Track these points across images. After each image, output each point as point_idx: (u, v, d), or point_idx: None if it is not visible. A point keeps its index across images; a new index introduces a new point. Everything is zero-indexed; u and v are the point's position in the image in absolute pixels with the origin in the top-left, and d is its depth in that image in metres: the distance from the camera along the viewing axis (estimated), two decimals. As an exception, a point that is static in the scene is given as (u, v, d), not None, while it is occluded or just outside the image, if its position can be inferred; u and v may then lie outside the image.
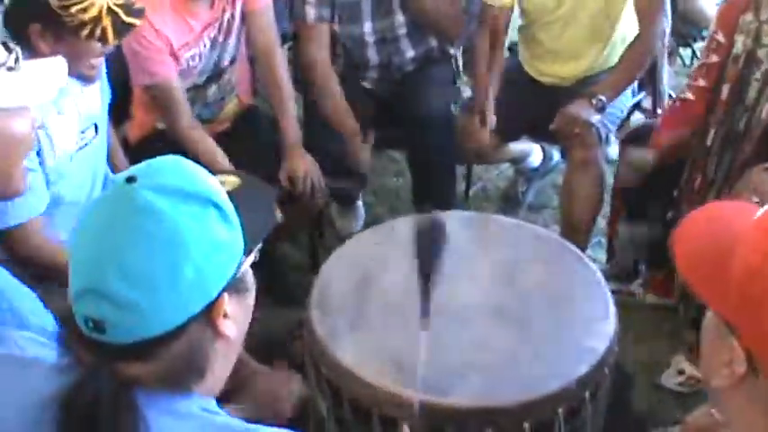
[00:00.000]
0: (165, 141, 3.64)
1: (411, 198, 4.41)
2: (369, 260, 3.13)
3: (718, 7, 3.71)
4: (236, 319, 1.53)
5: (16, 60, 2.20)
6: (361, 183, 4.54)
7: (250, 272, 1.59)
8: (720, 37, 3.51)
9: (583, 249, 3.88)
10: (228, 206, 1.50)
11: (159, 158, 1.56)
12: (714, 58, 3.55)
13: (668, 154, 3.65)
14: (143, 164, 1.54)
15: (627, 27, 4.03)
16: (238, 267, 1.51)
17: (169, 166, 1.52)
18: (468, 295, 2.93)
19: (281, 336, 3.68)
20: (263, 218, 1.65)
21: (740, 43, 3.42)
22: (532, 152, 4.69)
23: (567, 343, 2.73)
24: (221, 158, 3.63)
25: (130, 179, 1.44)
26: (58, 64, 2.35)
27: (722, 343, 1.42)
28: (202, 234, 1.44)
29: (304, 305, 2.88)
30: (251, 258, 1.57)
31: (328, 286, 2.98)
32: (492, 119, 3.99)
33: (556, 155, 4.80)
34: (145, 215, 1.41)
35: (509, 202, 4.82)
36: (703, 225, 1.56)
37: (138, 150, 3.70)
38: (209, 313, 1.47)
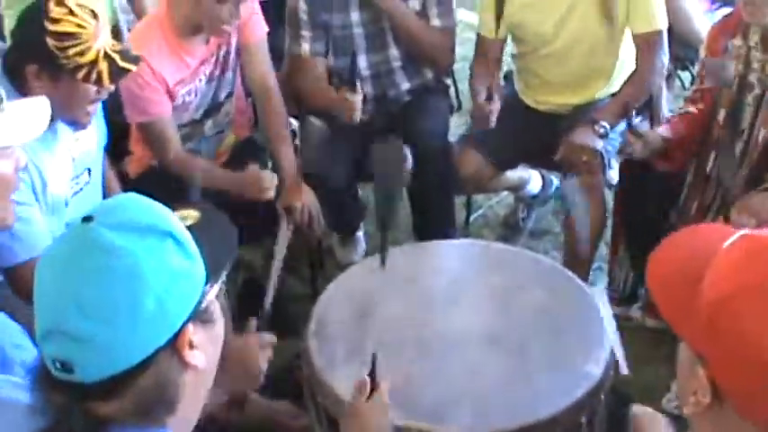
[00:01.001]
0: (161, 176, 3.67)
1: (411, 228, 4.41)
2: (367, 290, 3.14)
3: (708, 33, 3.71)
4: (203, 348, 1.53)
5: (0, 101, 2.21)
6: (360, 213, 4.56)
7: (217, 303, 1.59)
8: (710, 63, 3.54)
9: (585, 276, 3.90)
10: (187, 237, 1.52)
11: (116, 197, 1.59)
12: (708, 83, 3.57)
13: (675, 146, 3.64)
14: (101, 203, 1.58)
15: (626, 56, 4.06)
16: (202, 297, 1.52)
17: (125, 204, 1.54)
18: (465, 322, 2.95)
19: (282, 366, 3.69)
20: (224, 249, 1.66)
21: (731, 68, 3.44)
22: (531, 179, 4.69)
23: (564, 368, 2.73)
24: (217, 169, 3.72)
25: (87, 218, 1.46)
26: (42, 104, 2.37)
27: (691, 371, 1.42)
28: (161, 266, 1.45)
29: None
30: (215, 289, 1.57)
31: (326, 316, 3.00)
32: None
33: (555, 181, 4.80)
34: (102, 252, 1.43)
35: (510, 229, 4.81)
36: (677, 249, 1.56)
37: (136, 186, 3.71)
38: (174, 344, 1.48)
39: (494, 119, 3.81)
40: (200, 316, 1.52)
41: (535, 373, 2.72)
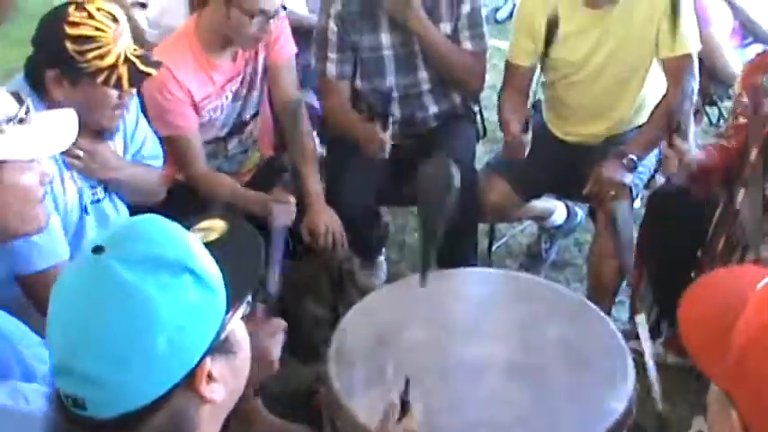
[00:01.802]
0: (188, 192, 3.67)
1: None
2: (388, 316, 3.13)
3: (743, 68, 3.69)
4: (224, 380, 1.48)
5: (27, 112, 2.21)
6: (383, 237, 4.55)
7: (240, 327, 1.54)
8: (744, 98, 3.51)
9: (608, 310, 3.87)
10: (205, 267, 1.46)
11: (130, 222, 1.54)
12: (741, 120, 3.55)
13: (709, 171, 3.60)
14: (114, 231, 1.50)
15: (654, 86, 4.02)
16: (221, 328, 1.46)
17: (141, 232, 1.47)
18: (487, 351, 2.94)
19: (303, 391, 3.68)
20: (249, 268, 1.62)
21: (765, 105, 3.41)
22: (557, 209, 4.67)
23: (585, 402, 2.72)
24: (241, 190, 3.73)
25: (98, 249, 1.40)
26: (69, 117, 2.36)
27: (724, 414, 1.41)
28: (175, 303, 1.39)
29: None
30: (239, 313, 1.52)
31: (347, 341, 2.99)
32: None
33: (580, 213, 4.78)
34: (113, 289, 1.38)
35: (532, 259, 4.79)
36: (710, 291, 1.54)
37: (161, 202, 3.73)
38: (191, 380, 1.43)
39: (527, 150, 3.78)
40: (219, 347, 1.47)
41: (557, 405, 2.70)
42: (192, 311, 1.41)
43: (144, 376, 1.38)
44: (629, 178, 3.80)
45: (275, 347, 2.37)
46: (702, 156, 3.55)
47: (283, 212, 3.56)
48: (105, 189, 3.14)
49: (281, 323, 2.43)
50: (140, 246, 1.43)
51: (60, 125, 2.40)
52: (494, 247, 4.79)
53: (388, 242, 4.70)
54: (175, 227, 1.50)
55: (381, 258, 4.62)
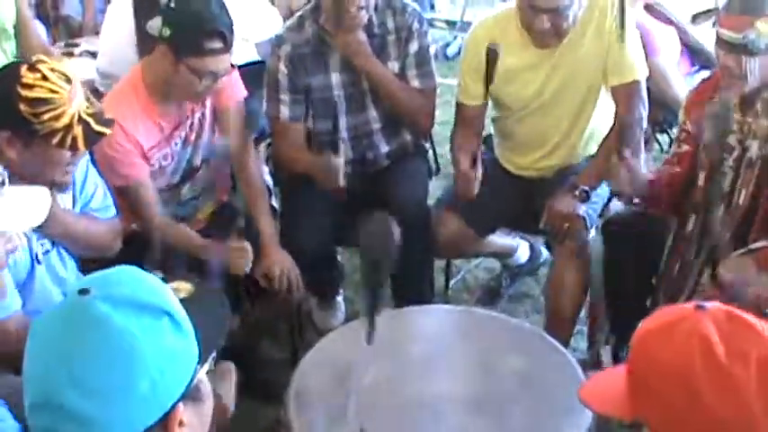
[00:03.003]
0: (144, 242, 3.64)
1: (390, 293, 4.39)
2: (347, 356, 3.12)
3: (686, 97, 3.73)
4: (192, 427, 1.51)
5: (2, 184, 2.20)
6: (339, 277, 4.55)
7: (205, 380, 1.57)
8: (689, 126, 3.56)
9: (566, 341, 3.89)
10: (182, 315, 1.50)
11: (112, 269, 1.56)
12: (685, 147, 3.59)
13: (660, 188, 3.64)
14: (96, 275, 1.53)
15: (603, 116, 4.05)
16: (193, 376, 1.50)
17: (122, 277, 1.51)
18: (447, 388, 2.95)
19: (262, 432, 3.67)
20: (217, 325, 1.65)
21: (709, 133, 3.45)
22: (519, 248, 4.69)
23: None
24: (198, 240, 3.67)
25: (84, 291, 1.44)
26: (43, 193, 2.36)
27: None
28: (157, 346, 1.43)
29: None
30: (206, 367, 1.56)
31: (306, 382, 2.98)
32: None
33: (545, 252, 4.79)
34: (99, 328, 1.41)
35: (489, 294, 4.80)
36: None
37: (121, 253, 3.72)
38: (164, 423, 1.45)
39: (477, 186, 3.80)
40: (190, 394, 1.50)
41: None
42: (172, 355, 1.45)
43: (124, 415, 1.40)
44: (582, 209, 3.82)
45: (227, 392, 2.37)
46: (651, 176, 3.60)
47: (239, 261, 3.56)
48: (52, 242, 3.11)
49: (230, 366, 2.42)
50: (124, 289, 1.47)
51: (33, 200, 2.39)
52: (451, 284, 4.80)
53: (344, 282, 4.69)
54: (149, 275, 1.55)
55: (339, 299, 4.63)
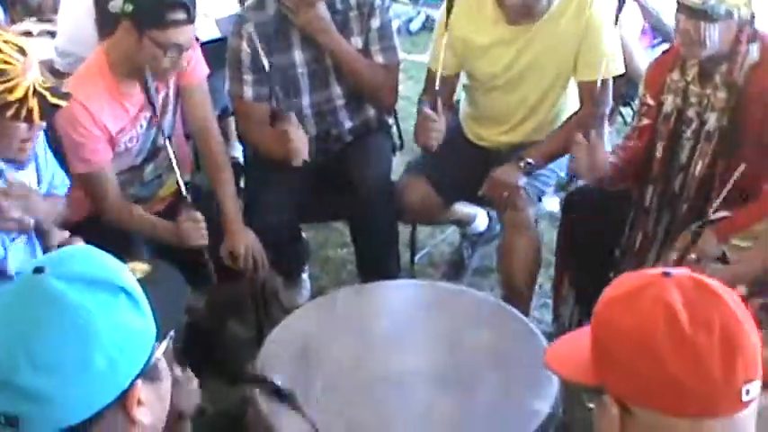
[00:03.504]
0: (103, 223, 3.63)
1: (356, 269, 4.40)
2: (313, 333, 3.13)
3: (646, 70, 3.74)
4: (151, 405, 1.49)
5: None
6: (304, 255, 4.55)
7: (163, 359, 1.56)
8: (649, 100, 3.58)
9: (526, 311, 3.90)
10: (139, 293, 1.49)
11: (68, 248, 1.55)
12: (645, 121, 3.61)
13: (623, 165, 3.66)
14: (51, 254, 1.54)
15: (570, 100, 4.07)
16: (151, 354, 1.49)
17: (78, 255, 1.51)
18: (412, 363, 2.95)
19: (231, 413, 3.66)
20: (174, 304, 1.65)
21: (669, 102, 3.48)
22: (478, 216, 4.70)
23: (510, 407, 2.74)
24: (149, 219, 3.66)
25: (38, 269, 1.43)
26: None
27: (601, 407, 1.52)
28: (113, 323, 1.42)
29: (251, 380, 2.87)
30: (164, 345, 1.55)
31: (272, 360, 2.98)
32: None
33: (502, 221, 4.81)
34: (54, 305, 1.39)
35: (454, 268, 4.81)
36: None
37: (79, 231, 3.69)
38: (122, 402, 1.44)
39: (437, 135, 3.83)
40: (148, 373, 1.49)
41: (483, 412, 2.72)
42: (128, 332, 1.44)
43: (82, 393, 1.39)
44: (522, 180, 3.84)
45: (188, 402, 2.38)
46: (613, 158, 3.61)
47: (194, 234, 3.55)
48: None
49: (191, 375, 2.42)
50: (80, 266, 1.46)
51: None
52: (416, 258, 4.80)
53: (309, 259, 4.68)
54: (105, 254, 1.53)
55: (304, 276, 4.62)
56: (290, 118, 3.78)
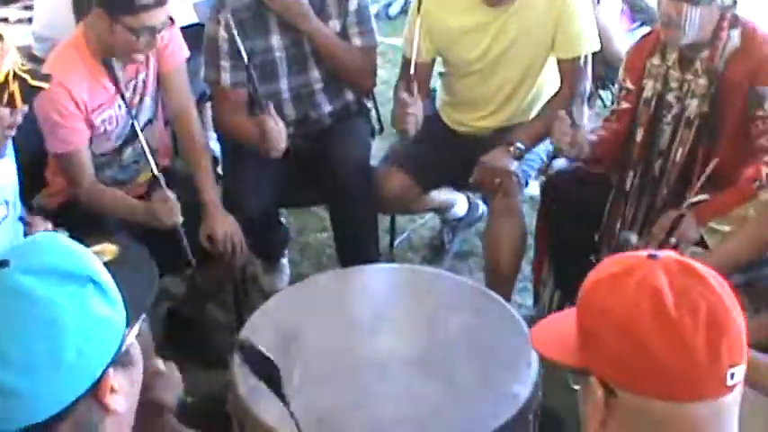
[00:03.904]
0: (82, 208, 3.63)
1: (336, 253, 4.39)
2: (292, 317, 3.12)
3: (626, 54, 3.74)
4: (124, 392, 1.48)
5: None
6: (284, 240, 4.54)
7: (135, 343, 1.54)
8: (629, 84, 3.58)
9: (509, 296, 3.90)
10: (108, 281, 1.47)
11: (32, 238, 1.54)
12: (624, 105, 3.62)
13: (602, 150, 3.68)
14: (15, 246, 1.50)
15: (548, 82, 4.07)
16: (122, 341, 1.47)
17: (42, 246, 1.48)
18: (392, 348, 2.95)
19: (212, 398, 3.65)
20: (144, 287, 1.62)
21: (650, 87, 3.48)
22: (457, 202, 4.70)
23: (490, 391, 2.73)
24: (124, 201, 3.63)
25: (2, 263, 1.40)
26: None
27: (586, 389, 1.51)
28: (81, 314, 1.40)
29: (231, 365, 2.86)
30: (135, 330, 1.53)
31: (251, 346, 2.96)
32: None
33: (482, 205, 4.81)
34: (21, 300, 1.37)
35: (434, 252, 4.82)
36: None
37: (60, 217, 3.67)
38: (94, 391, 1.42)
39: (415, 120, 3.81)
40: (120, 360, 1.47)
41: (463, 397, 2.71)
42: (98, 323, 1.42)
43: (53, 386, 1.37)
44: (514, 165, 3.83)
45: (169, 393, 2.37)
46: (594, 136, 3.62)
47: (167, 213, 3.52)
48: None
49: (173, 366, 2.40)
50: (45, 257, 1.43)
51: None
52: (396, 242, 4.81)
53: (289, 244, 4.68)
54: (71, 242, 1.51)
55: (284, 261, 4.62)
56: (269, 110, 3.75)
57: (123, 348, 1.47)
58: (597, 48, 3.95)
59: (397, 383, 2.80)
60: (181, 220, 3.51)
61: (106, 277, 1.47)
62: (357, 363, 2.89)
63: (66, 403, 1.39)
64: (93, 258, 1.49)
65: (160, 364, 2.35)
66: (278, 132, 3.75)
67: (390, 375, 2.83)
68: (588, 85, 3.93)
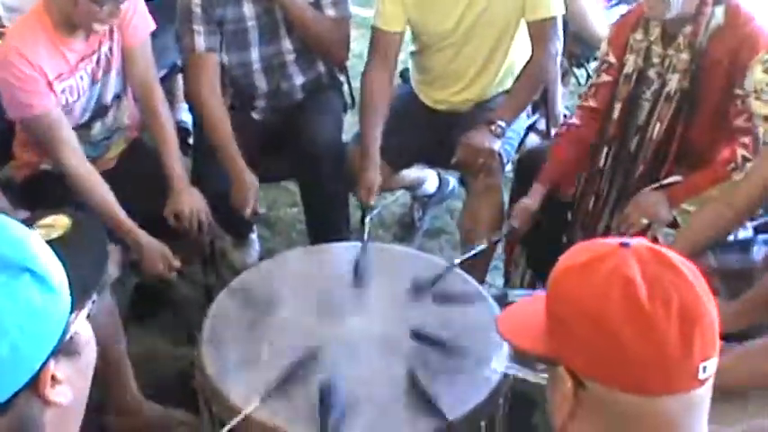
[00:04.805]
0: (52, 181, 3.58)
1: (306, 228, 4.36)
2: (261, 295, 3.09)
3: (610, 28, 3.72)
4: (70, 382, 1.39)
5: None
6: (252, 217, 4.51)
7: (84, 327, 1.45)
8: (611, 58, 3.57)
9: (483, 276, 3.89)
10: (48, 267, 1.37)
11: None
12: (605, 78, 3.60)
13: (562, 182, 3.67)
14: None
15: (520, 51, 4.03)
16: (65, 330, 1.38)
17: None
18: (362, 327, 2.93)
19: (179, 373, 3.63)
20: (95, 264, 1.54)
21: (631, 62, 3.47)
22: (428, 179, 4.67)
23: (462, 373, 2.71)
24: (115, 210, 3.51)
25: None
26: None
27: (555, 378, 1.48)
28: (15, 307, 1.30)
29: (199, 342, 2.83)
30: (83, 313, 1.44)
31: (219, 323, 2.95)
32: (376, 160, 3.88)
33: (452, 181, 4.79)
34: None
35: (405, 229, 4.80)
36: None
37: (25, 191, 3.62)
38: (34, 384, 1.34)
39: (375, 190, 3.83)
40: (64, 349, 1.38)
41: (433, 379, 2.68)
42: (34, 315, 1.33)
43: None
44: (497, 145, 3.80)
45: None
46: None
47: (153, 263, 3.50)
48: None
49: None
50: None
51: None
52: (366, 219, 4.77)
53: (259, 219, 4.63)
54: (12, 224, 1.40)
55: (253, 236, 4.59)
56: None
57: (67, 337, 1.39)
58: (563, 10, 3.94)
59: (366, 364, 2.78)
60: (167, 276, 3.55)
61: (47, 262, 1.38)
62: (326, 341, 2.86)
63: (2, 400, 1.31)
64: (33, 242, 1.39)
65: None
66: (251, 189, 3.79)
67: (359, 356, 2.81)
68: (560, 47, 3.92)
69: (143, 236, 3.50)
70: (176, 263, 3.54)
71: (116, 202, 3.51)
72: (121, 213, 3.50)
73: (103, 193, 3.51)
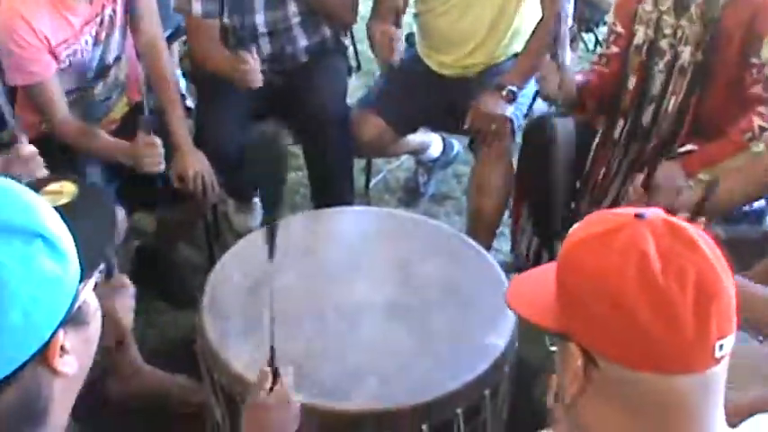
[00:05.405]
0: (53, 143, 3.52)
1: (309, 194, 4.33)
2: (264, 260, 3.04)
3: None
4: (76, 352, 1.37)
5: None
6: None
7: (91, 297, 1.43)
8: (618, 28, 3.54)
9: (489, 242, 3.86)
10: (59, 233, 1.35)
11: None
12: (614, 49, 3.58)
13: (587, 95, 3.63)
14: None
15: (529, 13, 3.99)
16: (75, 298, 1.36)
17: None
18: (366, 293, 2.91)
19: (180, 339, 3.61)
20: (103, 233, 1.53)
21: (641, 33, 3.43)
22: (432, 143, 4.64)
23: (466, 341, 2.69)
24: (104, 138, 3.55)
25: None
26: None
27: (565, 353, 1.43)
28: (28, 273, 1.28)
29: (200, 308, 2.82)
30: (91, 283, 1.42)
31: (221, 288, 2.92)
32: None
33: (456, 145, 4.75)
34: None
35: (410, 194, 4.77)
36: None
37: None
38: (43, 355, 1.32)
39: (399, 49, 3.78)
40: (72, 318, 1.36)
41: (438, 346, 2.68)
42: (46, 282, 1.30)
43: None
44: (509, 111, 3.77)
45: (124, 310, 2.31)
46: (581, 77, 3.55)
47: (151, 159, 3.43)
48: None
49: (125, 281, 2.34)
50: None
51: None
52: (371, 184, 4.75)
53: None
54: (22, 189, 1.38)
55: (256, 200, 4.55)
56: (248, 48, 3.67)
57: (76, 306, 1.37)
58: None
59: (370, 331, 2.76)
60: (163, 167, 3.43)
61: (57, 229, 1.35)
62: (329, 309, 2.84)
63: (12, 368, 1.29)
64: (44, 208, 1.37)
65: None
66: (253, 67, 3.69)
67: (363, 322, 2.79)
68: (570, 8, 3.87)
69: (130, 144, 3.49)
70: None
71: (103, 134, 3.56)
72: (108, 140, 3.55)
73: (84, 126, 3.56)
